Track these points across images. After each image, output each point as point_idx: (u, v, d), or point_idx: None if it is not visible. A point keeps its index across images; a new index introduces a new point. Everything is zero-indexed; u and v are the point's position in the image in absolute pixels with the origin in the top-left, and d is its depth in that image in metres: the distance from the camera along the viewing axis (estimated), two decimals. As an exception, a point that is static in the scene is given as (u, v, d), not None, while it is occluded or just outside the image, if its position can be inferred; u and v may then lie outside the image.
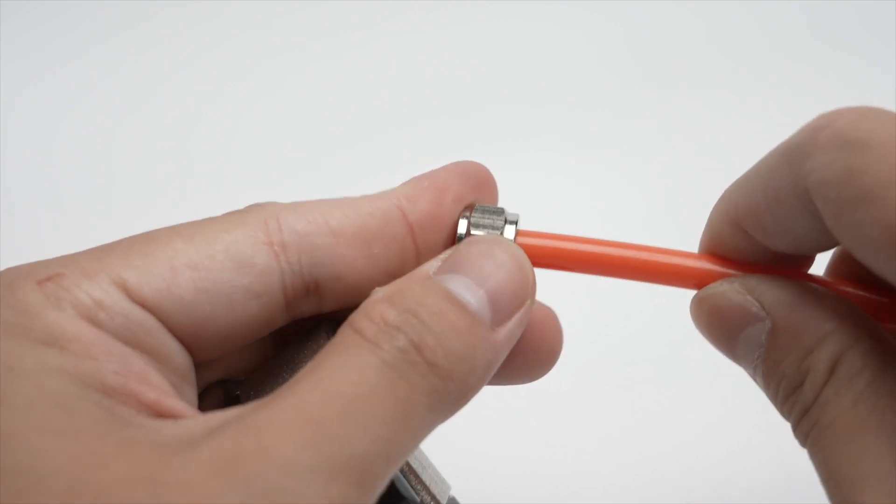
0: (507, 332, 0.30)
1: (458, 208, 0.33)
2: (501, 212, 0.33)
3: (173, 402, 0.28)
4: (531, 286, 0.31)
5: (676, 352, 0.55)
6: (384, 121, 0.67)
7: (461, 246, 0.31)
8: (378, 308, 0.28)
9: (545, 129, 0.67)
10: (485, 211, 0.34)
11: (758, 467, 0.50)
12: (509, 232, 0.33)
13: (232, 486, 0.25)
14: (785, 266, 0.32)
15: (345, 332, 0.28)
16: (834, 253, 0.33)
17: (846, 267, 0.33)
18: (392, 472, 0.27)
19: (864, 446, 0.26)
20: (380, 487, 0.27)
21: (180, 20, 0.74)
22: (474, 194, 0.34)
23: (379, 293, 0.29)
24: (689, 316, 0.32)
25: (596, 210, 0.61)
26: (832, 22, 0.71)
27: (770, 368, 0.29)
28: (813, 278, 0.32)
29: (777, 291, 0.30)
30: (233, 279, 0.30)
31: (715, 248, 0.32)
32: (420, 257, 0.33)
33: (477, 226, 0.33)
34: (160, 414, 0.28)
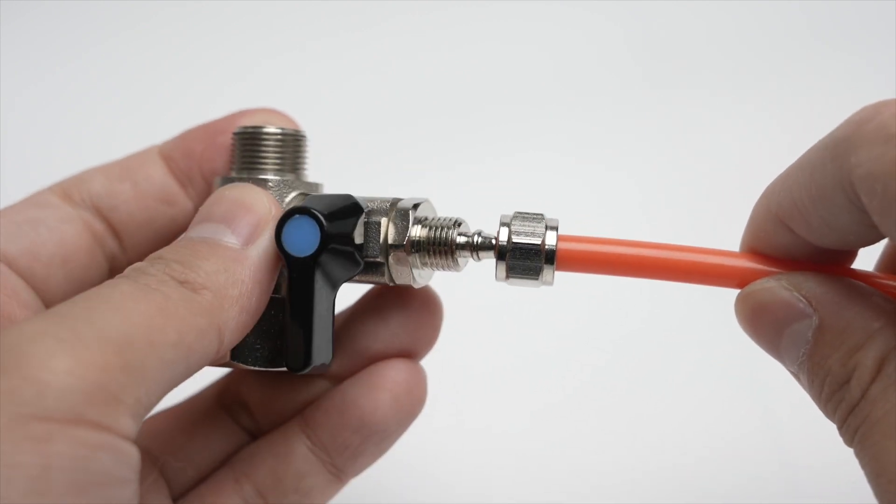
0: (261, 248, 0.33)
1: (208, 137, 0.39)
2: (541, 217, 0.34)
3: None
4: (270, 209, 0.34)
5: (677, 352, 0.55)
6: (384, 121, 0.67)
7: (204, 203, 0.35)
8: (131, 265, 0.31)
9: (545, 129, 0.67)
10: (525, 218, 0.34)
11: (758, 467, 0.50)
12: (551, 237, 0.33)
13: None
14: (829, 261, 0.32)
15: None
16: (885, 247, 0.33)
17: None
18: (163, 358, 0.28)
19: None
20: (151, 368, 0.28)
21: (180, 20, 0.74)
22: (224, 125, 0.39)
23: None
24: (734, 312, 0.32)
25: (596, 210, 0.61)
26: (832, 22, 0.71)
27: (816, 365, 0.29)
28: (859, 275, 0.32)
29: (824, 288, 0.30)
30: (38, 211, 0.37)
31: (758, 245, 0.33)
32: (183, 186, 0.38)
33: (517, 233, 0.34)
34: None
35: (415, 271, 0.35)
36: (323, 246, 0.33)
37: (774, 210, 0.31)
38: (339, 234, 0.33)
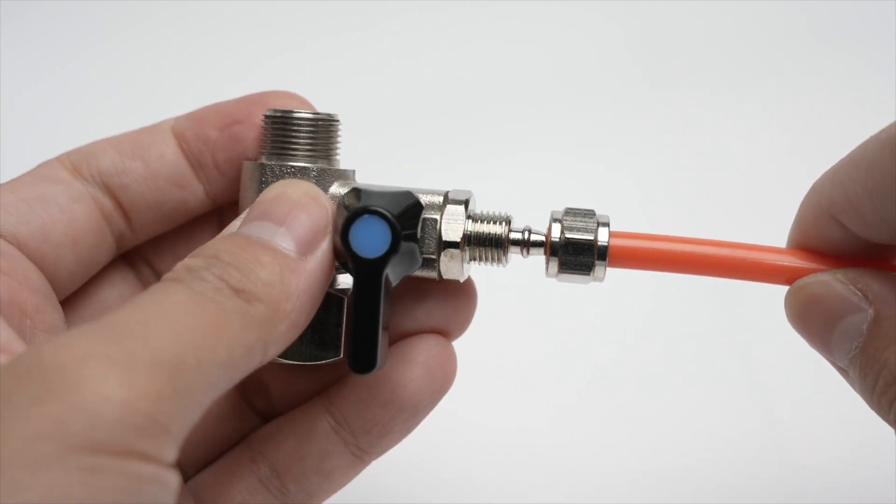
0: (316, 259, 0.32)
1: (225, 124, 0.37)
2: (592, 214, 0.34)
3: (1, 359, 0.29)
4: (330, 214, 0.33)
5: (677, 353, 0.55)
6: (383, 121, 0.67)
7: (258, 197, 0.33)
8: (183, 262, 0.30)
9: (545, 130, 0.67)
10: (576, 214, 0.34)
11: (758, 467, 0.50)
12: (603, 234, 0.34)
13: (28, 383, 0.25)
14: (880, 257, 0.32)
15: (153, 285, 0.29)
16: None
17: None
18: (211, 379, 0.27)
19: None
20: (198, 392, 0.27)
21: (180, 20, 0.74)
22: (241, 112, 0.37)
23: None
24: (784, 306, 0.32)
25: (596, 209, 0.61)
26: (832, 22, 0.71)
27: (870, 358, 0.29)
28: None
29: (880, 283, 0.30)
30: (48, 188, 0.35)
31: (806, 241, 0.33)
32: (195, 169, 0.37)
33: (570, 229, 0.34)
34: None
35: (465, 266, 0.35)
36: (394, 247, 0.32)
37: (826, 206, 0.31)
38: (406, 234, 0.33)
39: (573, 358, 0.55)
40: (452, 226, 0.34)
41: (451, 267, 0.34)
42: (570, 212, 0.34)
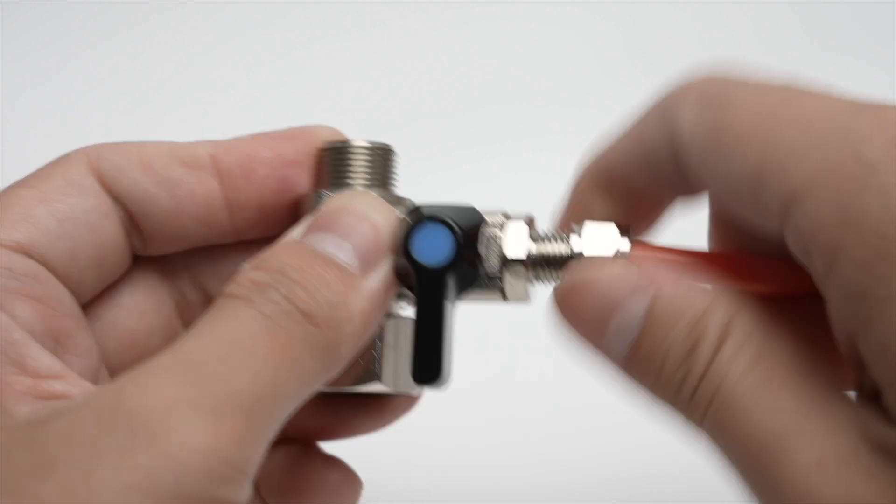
0: (379, 278, 0.31)
1: (279, 165, 0.34)
2: (611, 224, 0.33)
3: (56, 386, 0.28)
4: (393, 231, 0.32)
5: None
6: (383, 121, 0.67)
7: (321, 206, 0.32)
8: (246, 274, 0.29)
9: (545, 130, 0.67)
10: (597, 224, 0.33)
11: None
12: (624, 244, 0.32)
13: (115, 429, 0.24)
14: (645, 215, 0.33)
15: (218, 300, 0.29)
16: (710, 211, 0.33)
17: (723, 234, 0.33)
18: (281, 416, 0.27)
19: (776, 403, 0.26)
20: (270, 430, 0.27)
21: (181, 20, 0.74)
22: (297, 153, 0.34)
23: (247, 264, 0.30)
24: (554, 300, 0.31)
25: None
26: (831, 22, 0.71)
27: (654, 343, 0.28)
28: (689, 252, 0.32)
29: (657, 266, 0.29)
30: (80, 202, 0.33)
31: (578, 212, 0.33)
32: (231, 210, 0.34)
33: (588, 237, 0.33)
34: (43, 398, 0.28)
35: (528, 287, 0.34)
36: (457, 255, 0.32)
37: (602, 172, 0.32)
38: (467, 243, 0.32)
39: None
40: (515, 243, 0.33)
41: (515, 286, 0.33)
42: (590, 224, 0.33)
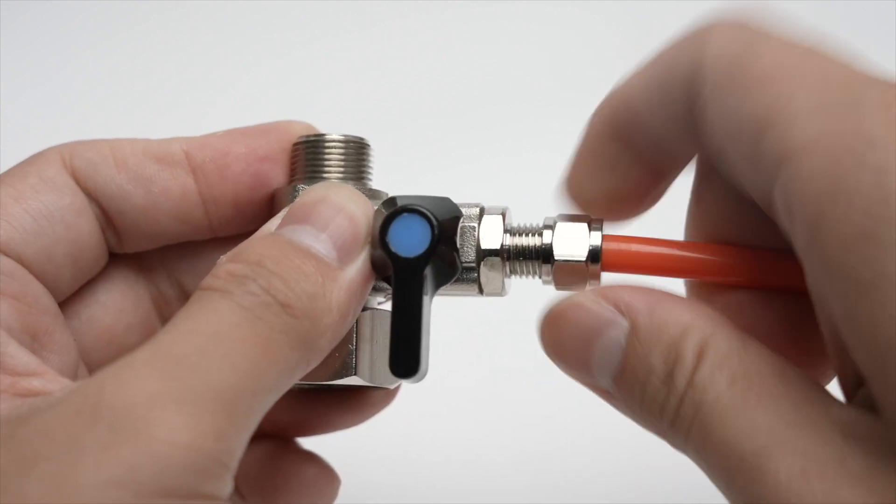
0: (356, 269, 0.31)
1: (253, 160, 0.34)
2: (586, 218, 0.33)
3: (35, 383, 0.29)
4: (370, 222, 0.32)
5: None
6: (383, 120, 0.67)
7: (297, 198, 0.32)
8: (224, 267, 0.29)
9: (545, 130, 0.66)
10: (569, 218, 0.34)
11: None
12: (595, 238, 0.33)
13: (95, 424, 0.25)
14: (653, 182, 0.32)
15: (196, 294, 0.29)
16: (697, 166, 0.33)
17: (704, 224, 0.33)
18: (261, 408, 0.27)
19: (755, 419, 0.26)
20: (251, 422, 0.27)
21: (181, 20, 0.74)
22: (270, 148, 0.35)
23: (223, 258, 0.30)
24: (539, 338, 0.31)
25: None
26: (831, 22, 0.71)
27: (634, 368, 0.28)
28: (659, 242, 0.32)
29: (630, 294, 0.29)
30: (55, 199, 0.33)
31: (588, 160, 0.33)
32: (206, 206, 0.34)
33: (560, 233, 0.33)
34: (22, 395, 0.28)
35: (506, 281, 0.34)
36: (434, 246, 0.32)
37: (616, 115, 0.31)
38: (444, 235, 0.32)
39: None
40: (491, 235, 0.33)
41: (492, 278, 0.34)
42: (562, 217, 0.34)
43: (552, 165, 0.64)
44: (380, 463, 0.51)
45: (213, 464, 0.25)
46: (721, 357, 0.27)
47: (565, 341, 0.30)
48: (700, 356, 0.27)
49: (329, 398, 0.37)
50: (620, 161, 0.32)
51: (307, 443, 0.39)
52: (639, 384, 0.28)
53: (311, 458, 0.38)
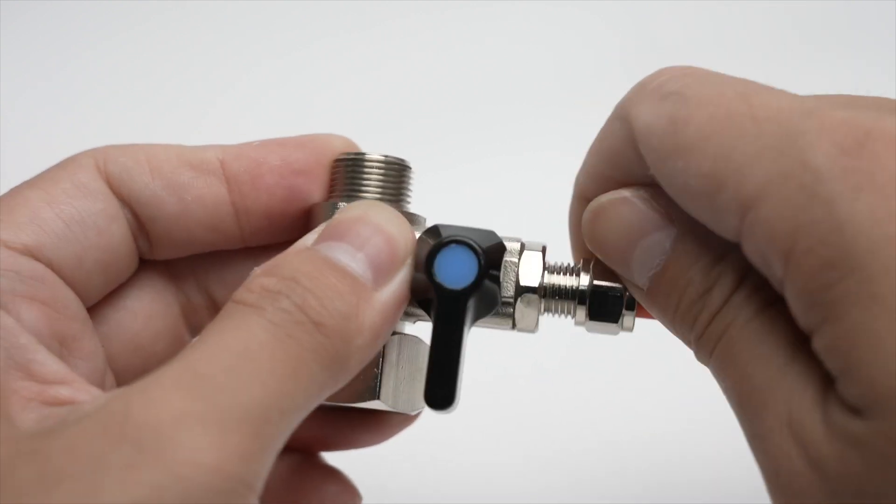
0: (391, 292, 0.30)
1: (287, 173, 0.34)
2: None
3: (63, 391, 0.28)
4: (410, 244, 0.32)
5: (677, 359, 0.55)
6: (384, 120, 0.67)
7: (336, 214, 0.32)
8: (257, 280, 0.29)
9: (545, 130, 0.67)
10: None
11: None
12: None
13: (121, 443, 0.24)
14: None
15: (227, 306, 0.28)
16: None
17: None
18: (288, 428, 0.27)
19: (771, 353, 0.27)
20: (278, 442, 0.27)
21: (181, 20, 0.74)
22: (306, 162, 0.34)
23: (257, 270, 0.29)
24: (583, 225, 0.31)
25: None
26: (831, 22, 0.71)
27: (675, 275, 0.29)
28: None
29: (678, 206, 0.29)
30: (88, 205, 0.32)
31: (581, 242, 0.33)
32: (238, 216, 0.34)
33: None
34: (49, 404, 0.28)
35: (539, 318, 0.34)
36: (480, 280, 0.31)
37: (580, 192, 0.32)
38: (491, 270, 0.32)
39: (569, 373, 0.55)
40: (530, 271, 0.33)
41: (527, 315, 0.33)
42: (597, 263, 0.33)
43: (552, 165, 0.64)
44: (400, 478, 0.51)
45: (238, 485, 0.25)
46: (755, 287, 0.28)
47: (610, 233, 0.30)
48: (738, 281, 0.28)
49: (353, 416, 0.37)
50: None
51: (330, 457, 0.39)
52: (676, 292, 0.29)
53: (334, 474, 0.38)
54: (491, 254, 0.32)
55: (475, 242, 0.32)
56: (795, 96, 0.27)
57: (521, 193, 0.61)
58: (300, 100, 0.69)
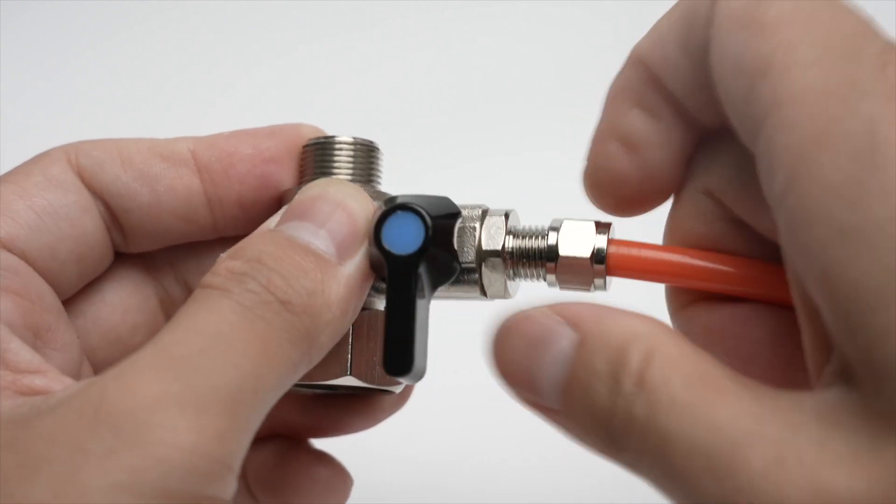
0: (356, 265, 0.31)
1: (259, 161, 0.34)
2: (591, 222, 0.33)
3: (37, 381, 0.28)
4: (369, 218, 0.32)
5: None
6: (383, 120, 0.67)
7: (297, 194, 0.32)
8: (223, 264, 0.29)
9: (545, 130, 0.67)
10: (574, 221, 0.33)
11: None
12: (601, 241, 0.32)
13: (99, 428, 0.25)
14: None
15: (196, 291, 0.29)
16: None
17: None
18: (264, 408, 0.27)
19: (719, 416, 0.24)
20: (254, 422, 0.27)
21: (181, 20, 0.74)
22: (277, 150, 0.34)
23: (223, 255, 0.30)
24: (487, 355, 0.29)
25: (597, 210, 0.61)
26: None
27: (580, 377, 0.26)
28: (667, 248, 0.32)
29: (582, 306, 0.27)
30: (59, 197, 0.33)
31: (611, 127, 0.31)
32: (211, 206, 0.34)
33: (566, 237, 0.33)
34: (23, 393, 0.28)
35: (509, 284, 0.34)
36: (427, 244, 0.32)
37: (636, 86, 0.31)
38: (440, 234, 0.32)
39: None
40: (493, 236, 0.33)
41: (494, 280, 0.33)
42: (570, 219, 0.33)
43: (552, 165, 0.64)
44: (393, 463, 0.51)
45: (216, 466, 0.25)
46: (672, 360, 0.25)
47: (512, 354, 0.28)
48: (647, 359, 0.25)
49: (341, 401, 0.37)
50: (644, 131, 0.30)
51: (320, 443, 0.39)
52: (585, 393, 0.26)
53: (324, 458, 0.38)
54: (440, 218, 0.32)
55: (421, 208, 0.32)
56: (873, 27, 0.26)
57: (520, 193, 0.61)
58: (299, 99, 0.69)
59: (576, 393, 0.26)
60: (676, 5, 0.30)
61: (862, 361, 0.23)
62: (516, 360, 0.28)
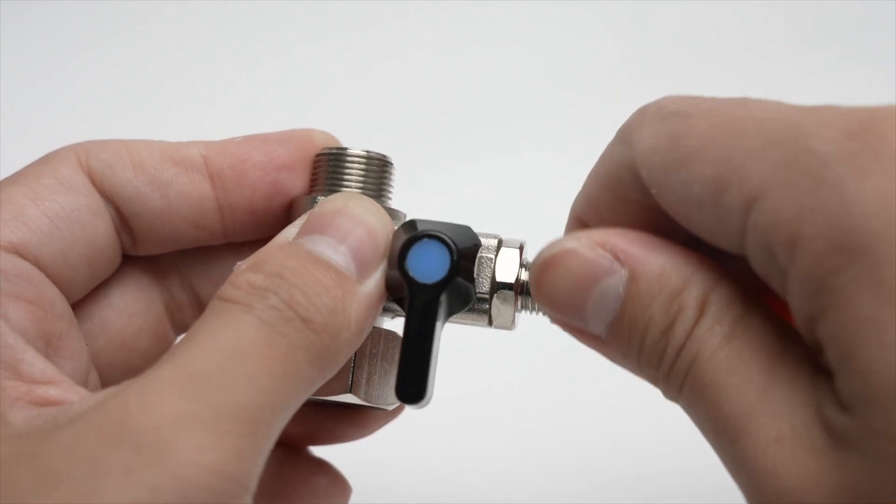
0: (374, 283, 0.31)
1: (271, 169, 0.34)
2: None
3: (51, 392, 0.28)
4: (390, 236, 0.32)
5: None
6: (383, 120, 0.67)
7: (316, 207, 0.32)
8: (243, 276, 0.29)
9: (545, 130, 0.67)
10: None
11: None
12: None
13: (120, 445, 0.25)
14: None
15: (213, 304, 0.28)
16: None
17: None
18: (280, 425, 0.27)
19: (745, 380, 0.26)
20: (271, 440, 0.27)
21: (181, 20, 0.74)
22: (290, 157, 0.34)
23: (241, 265, 0.29)
24: (530, 283, 0.30)
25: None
26: (831, 22, 0.71)
27: (634, 318, 0.28)
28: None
29: (628, 241, 0.29)
30: (71, 200, 0.32)
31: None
32: (222, 212, 0.34)
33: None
34: (38, 404, 0.28)
35: (516, 315, 0.34)
36: (453, 274, 0.32)
37: (575, 212, 0.32)
38: (463, 263, 0.32)
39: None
40: (507, 267, 0.33)
41: (503, 311, 0.33)
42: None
43: (552, 165, 0.65)
44: (391, 471, 0.51)
45: (234, 486, 0.25)
46: (720, 312, 0.27)
47: (559, 288, 0.29)
48: (701, 310, 0.27)
49: (337, 411, 0.37)
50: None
51: (319, 451, 0.39)
52: (637, 334, 0.28)
53: (323, 466, 0.38)
54: (464, 249, 0.32)
55: (448, 237, 0.32)
56: (791, 104, 0.27)
57: (519, 194, 0.61)
58: (299, 100, 0.69)
59: (626, 332, 0.28)
60: (595, 169, 0.31)
61: (850, 398, 0.25)
62: (563, 296, 0.29)
